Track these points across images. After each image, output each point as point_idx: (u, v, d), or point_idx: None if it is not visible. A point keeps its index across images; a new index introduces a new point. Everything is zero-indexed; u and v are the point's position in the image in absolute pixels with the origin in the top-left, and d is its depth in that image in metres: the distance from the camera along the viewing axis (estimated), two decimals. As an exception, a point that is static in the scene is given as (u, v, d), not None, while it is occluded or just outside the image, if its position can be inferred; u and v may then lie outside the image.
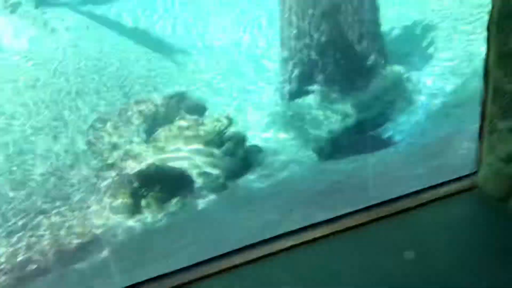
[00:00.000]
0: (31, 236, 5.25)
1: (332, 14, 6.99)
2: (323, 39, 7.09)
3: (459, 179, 2.93)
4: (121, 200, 5.54)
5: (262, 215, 4.47)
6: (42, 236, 5.24)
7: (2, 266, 4.62)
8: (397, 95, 6.94)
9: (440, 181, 2.93)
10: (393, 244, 2.59)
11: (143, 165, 5.90)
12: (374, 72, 7.10)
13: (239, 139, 6.51)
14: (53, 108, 7.65)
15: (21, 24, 9.32)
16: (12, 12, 9.57)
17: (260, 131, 7.14)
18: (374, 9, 7.20)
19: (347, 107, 6.90)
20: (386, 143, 6.22)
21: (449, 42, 7.72)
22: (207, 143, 6.31)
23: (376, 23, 7.22)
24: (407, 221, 2.74)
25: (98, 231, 5.14)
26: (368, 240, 2.64)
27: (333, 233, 2.71)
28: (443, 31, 7.94)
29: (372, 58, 7.11)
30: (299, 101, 7.28)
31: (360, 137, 6.50)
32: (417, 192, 2.94)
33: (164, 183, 5.56)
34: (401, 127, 6.42)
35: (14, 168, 6.53)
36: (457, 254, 2.43)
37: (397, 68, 7.19)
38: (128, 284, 2.44)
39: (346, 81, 7.08)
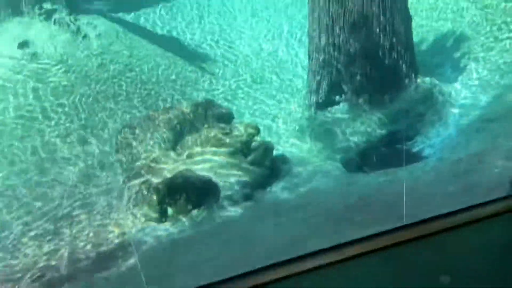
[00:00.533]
0: (57, 241, 5.32)
1: (363, 25, 6.92)
2: (352, 50, 7.02)
3: (495, 201, 2.84)
4: (147, 208, 5.57)
5: (289, 229, 4.42)
6: (67, 241, 5.30)
7: (31, 272, 4.69)
8: (428, 108, 6.81)
9: (473, 201, 2.84)
10: (427, 267, 2.51)
11: (169, 173, 5.92)
12: (405, 84, 6.99)
13: (266, 149, 6.48)
14: (82, 113, 7.78)
15: (54, 30, 9.54)
16: (47, 18, 9.80)
17: (287, 141, 7.11)
18: (406, 19, 7.09)
19: (376, 119, 6.80)
20: (416, 157, 6.10)
21: (483, 53, 7.54)
22: (234, 152, 6.29)
23: (407, 34, 7.11)
24: (442, 243, 2.66)
25: (124, 239, 5.17)
26: (401, 262, 2.57)
27: (364, 253, 2.65)
28: (477, 42, 7.76)
29: (402, 69, 7.00)
30: (326, 112, 7.22)
31: (389, 150, 6.39)
32: (452, 213, 2.86)
33: (190, 192, 5.57)
34: (432, 141, 6.28)
35: (42, 173, 6.65)
36: (493, 280, 2.35)
37: (428, 80, 7.06)
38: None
39: (376, 92, 6.99)
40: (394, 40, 6.95)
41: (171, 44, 9.86)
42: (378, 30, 6.91)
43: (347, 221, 4.09)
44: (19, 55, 8.81)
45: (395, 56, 6.98)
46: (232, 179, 6.05)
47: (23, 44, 9.08)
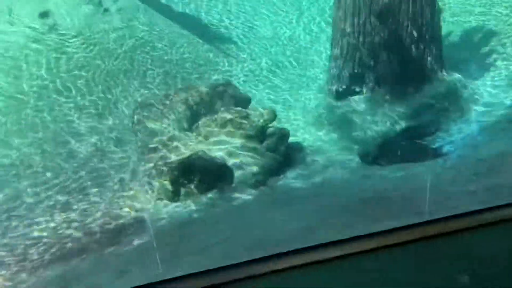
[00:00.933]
0: (68, 214, 5.33)
1: (390, 14, 6.72)
2: (377, 39, 6.84)
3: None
4: (161, 186, 5.53)
5: (301, 218, 4.34)
6: (78, 214, 5.31)
7: (44, 241, 4.70)
8: (451, 103, 6.62)
9: (495, 202, 2.73)
10: (445, 266, 2.41)
11: (184, 153, 5.87)
12: (429, 78, 6.80)
13: (282, 135, 6.38)
14: (98, 88, 7.74)
15: (76, 2, 9.47)
16: (68, -10, 9.71)
17: (303, 129, 6.99)
18: (435, 11, 6.86)
19: (397, 111, 6.65)
20: (436, 153, 5.95)
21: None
22: (250, 136, 6.21)
23: (435, 26, 6.90)
24: (462, 243, 2.56)
25: (136, 215, 5.15)
26: (418, 259, 2.47)
27: (379, 248, 2.56)
28: (507, 38, 7.50)
29: (428, 62, 6.80)
30: (346, 101, 7.07)
31: (407, 144, 6.24)
32: (476, 212, 2.75)
33: (204, 174, 5.51)
34: (453, 138, 6.11)
35: (58, 145, 6.65)
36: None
37: (453, 75, 6.86)
38: (165, 278, 2.38)
39: (398, 84, 6.81)
40: (421, 31, 6.75)
41: (191, 23, 9.74)
42: (405, 20, 6.71)
43: (361, 214, 3.99)
44: (39, 25, 8.77)
45: (421, 48, 6.79)
46: (246, 164, 5.98)
47: (43, 15, 9.03)
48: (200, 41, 9.16)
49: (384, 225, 2.77)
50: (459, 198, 4.11)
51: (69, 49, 8.35)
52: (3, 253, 4.56)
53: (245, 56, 8.96)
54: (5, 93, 7.45)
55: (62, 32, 8.58)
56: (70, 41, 8.53)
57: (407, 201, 4.18)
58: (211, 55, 8.88)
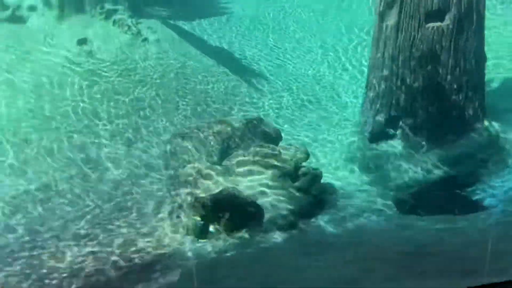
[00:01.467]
0: (93, 244, 5.18)
1: (430, 60, 6.59)
2: (416, 84, 6.70)
3: None
4: (189, 221, 5.36)
5: (339, 268, 4.10)
6: (103, 245, 5.15)
7: (66, 274, 4.53)
8: (492, 154, 6.38)
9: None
10: None
11: (214, 188, 5.72)
12: (469, 126, 6.59)
13: (314, 176, 6.19)
14: (131, 116, 7.73)
15: (114, 30, 9.63)
16: (107, 18, 9.91)
17: (336, 170, 6.80)
18: (480, 59, 6.70)
19: (434, 159, 6.42)
20: (476, 206, 5.67)
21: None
22: (281, 175, 6.04)
23: (479, 74, 6.73)
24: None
25: (162, 251, 4.97)
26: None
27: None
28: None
29: (469, 110, 6.61)
30: (381, 144, 6.88)
31: (446, 195, 5.98)
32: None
33: (233, 212, 5.33)
34: (494, 191, 5.84)
35: (88, 171, 6.58)
36: None
37: (495, 125, 6.64)
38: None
39: (437, 131, 6.61)
40: (463, 79, 6.59)
41: (224, 57, 9.81)
42: (447, 67, 6.57)
43: (405, 269, 3.74)
44: (77, 51, 8.90)
45: (463, 95, 6.61)
46: (277, 203, 5.78)
47: (81, 41, 9.19)
48: (233, 75, 9.17)
49: (433, 283, 2.54)
50: (509, 259, 3.84)
51: (104, 75, 8.42)
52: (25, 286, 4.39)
53: (277, 92, 8.91)
54: (39, 113, 7.48)
55: (99, 57, 8.69)
56: (106, 67, 8.62)
57: (452, 258, 3.92)
58: (243, 89, 8.85)
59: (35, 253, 4.85)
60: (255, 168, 6.14)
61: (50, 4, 9.79)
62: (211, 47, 10.11)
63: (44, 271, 4.54)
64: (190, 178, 5.93)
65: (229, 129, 6.87)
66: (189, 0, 11.47)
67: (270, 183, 5.98)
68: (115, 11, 10.05)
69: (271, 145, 6.54)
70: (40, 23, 9.39)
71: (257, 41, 10.37)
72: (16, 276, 4.50)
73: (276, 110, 8.49)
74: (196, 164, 6.11)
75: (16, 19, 9.47)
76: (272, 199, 5.79)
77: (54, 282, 4.37)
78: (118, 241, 5.07)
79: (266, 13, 11.54)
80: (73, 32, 9.30)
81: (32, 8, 9.70)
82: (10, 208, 5.72)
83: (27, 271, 4.57)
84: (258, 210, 5.50)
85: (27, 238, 5.19)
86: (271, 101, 8.66)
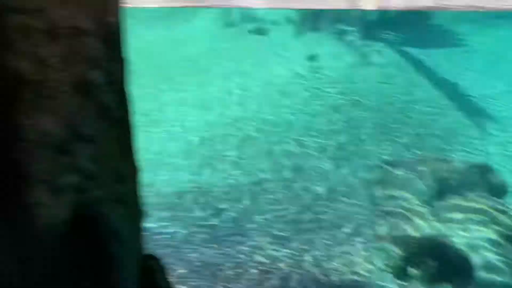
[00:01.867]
0: (287, 251, 5.31)
1: None
2: None
3: None
4: (388, 256, 5.05)
5: None
6: (290, 257, 5.24)
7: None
8: None
9: None
10: None
11: (421, 229, 5.27)
12: None
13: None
14: (343, 134, 7.74)
15: (343, 50, 9.86)
16: (339, 38, 10.23)
17: None
18: None
19: None
20: None
21: None
22: (505, 235, 5.22)
23: None
24: None
25: (356, 276, 4.78)
26: None
27: None
28: None
29: None
30: None
31: None
32: None
33: (442, 262, 4.81)
34: None
35: (290, 177, 6.81)
36: None
37: None
38: None
39: None
40: None
41: (451, 91, 9.08)
42: None
43: None
44: (306, 66, 9.38)
45: None
46: (493, 265, 5.01)
47: (311, 57, 9.66)
48: (458, 112, 8.42)
49: None
50: None
51: (326, 91, 8.67)
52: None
53: (508, 140, 7.83)
54: (259, 117, 8.10)
55: (324, 74, 8.99)
56: (328, 84, 8.85)
57: None
58: (468, 129, 8.03)
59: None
60: (472, 218, 5.45)
61: (290, 21, 10.64)
62: (440, 78, 9.49)
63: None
64: (397, 212, 5.59)
65: (448, 169, 6.29)
66: (424, 27, 11.03)
67: (488, 241, 5.22)
68: (347, 31, 10.32)
69: (495, 199, 5.73)
70: (279, 36, 10.24)
71: (496, 80, 9.32)
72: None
73: (506, 159, 7.45)
74: (406, 199, 5.74)
75: (261, 31, 10.57)
76: (488, 259, 5.04)
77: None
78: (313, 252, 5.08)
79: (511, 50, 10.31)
80: (305, 47, 9.85)
81: (274, 23, 10.70)
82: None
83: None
84: (468, 268, 4.85)
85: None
86: (502, 148, 7.65)
